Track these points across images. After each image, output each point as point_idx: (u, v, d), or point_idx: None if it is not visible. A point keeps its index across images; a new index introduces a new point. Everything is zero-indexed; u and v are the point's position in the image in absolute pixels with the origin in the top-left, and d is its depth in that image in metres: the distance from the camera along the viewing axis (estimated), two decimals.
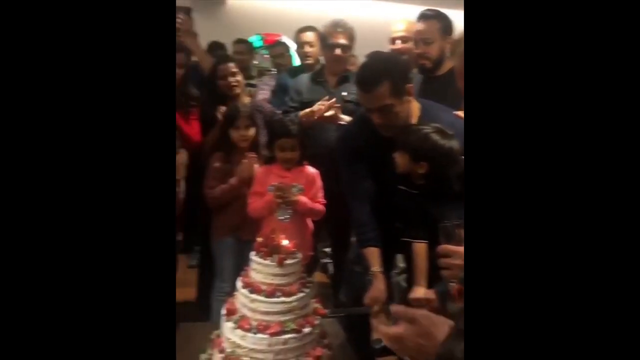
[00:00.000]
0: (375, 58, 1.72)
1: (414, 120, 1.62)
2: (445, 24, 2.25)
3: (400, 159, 1.54)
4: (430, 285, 1.45)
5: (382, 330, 0.97)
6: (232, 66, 2.39)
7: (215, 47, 3.47)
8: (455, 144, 1.47)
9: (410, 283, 1.53)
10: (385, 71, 1.51)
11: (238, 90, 2.39)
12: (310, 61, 2.85)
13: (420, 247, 1.49)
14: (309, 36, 2.87)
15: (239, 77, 2.40)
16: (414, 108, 1.63)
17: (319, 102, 2.27)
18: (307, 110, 2.33)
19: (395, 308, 0.99)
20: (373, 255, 1.62)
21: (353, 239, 2.06)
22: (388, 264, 1.64)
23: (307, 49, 2.85)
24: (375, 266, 1.59)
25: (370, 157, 1.66)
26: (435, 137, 1.49)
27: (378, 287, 1.54)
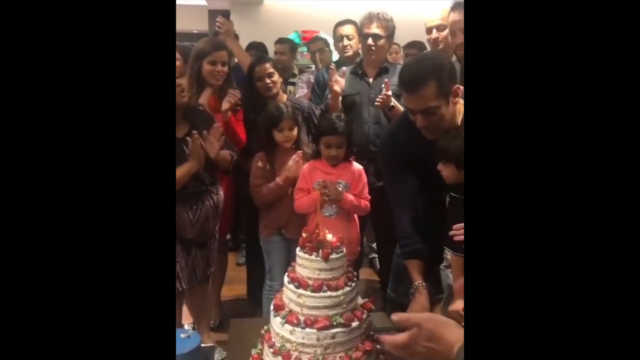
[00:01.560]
0: (420, 57, 1.65)
1: (459, 120, 1.52)
2: None
3: (446, 171, 1.44)
4: None
5: (387, 340, 0.94)
6: (268, 67, 2.40)
7: (254, 47, 3.52)
8: None
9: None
10: (431, 71, 1.41)
11: (275, 91, 2.41)
12: (349, 53, 2.84)
13: (457, 260, 1.43)
14: (348, 29, 2.85)
15: (275, 78, 2.41)
16: (460, 107, 1.52)
17: (333, 80, 2.28)
18: (329, 97, 2.34)
19: (396, 317, 0.94)
20: (416, 268, 1.55)
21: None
22: (436, 258, 1.59)
23: (346, 42, 2.83)
24: (418, 280, 1.53)
25: (417, 161, 1.57)
26: None
27: (420, 302, 1.48)
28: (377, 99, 2.27)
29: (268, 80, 2.38)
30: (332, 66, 2.36)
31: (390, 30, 2.47)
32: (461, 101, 1.53)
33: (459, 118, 1.52)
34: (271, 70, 2.40)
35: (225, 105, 2.26)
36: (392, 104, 2.26)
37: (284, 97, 2.50)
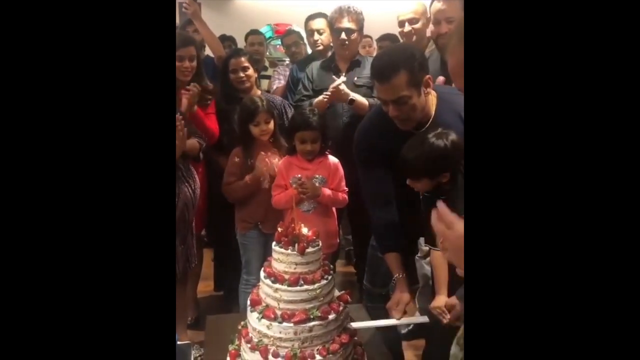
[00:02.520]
0: (392, 48, 1.65)
1: (432, 110, 1.54)
2: None
3: (419, 185, 1.44)
4: (452, 292, 1.39)
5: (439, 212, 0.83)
6: (243, 60, 2.37)
7: (225, 41, 3.46)
8: (453, 137, 1.36)
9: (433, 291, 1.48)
10: (402, 60, 1.43)
11: (248, 85, 2.39)
12: (320, 48, 2.82)
13: (439, 255, 1.44)
14: (319, 23, 2.83)
15: (250, 72, 2.38)
16: (432, 98, 1.55)
17: (331, 87, 2.26)
18: (320, 97, 2.33)
19: (440, 206, 0.86)
20: (394, 260, 1.57)
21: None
22: (411, 248, 1.61)
23: (317, 36, 2.82)
24: (397, 272, 1.55)
25: (390, 157, 1.56)
26: (434, 141, 1.37)
27: (401, 294, 1.51)
28: (324, 95, 2.26)
29: (242, 74, 2.36)
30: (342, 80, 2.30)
31: (360, 23, 2.48)
32: (433, 92, 1.54)
33: (432, 109, 1.54)
34: (246, 64, 2.38)
35: (183, 104, 2.17)
36: (351, 97, 2.25)
37: (258, 92, 2.48)
